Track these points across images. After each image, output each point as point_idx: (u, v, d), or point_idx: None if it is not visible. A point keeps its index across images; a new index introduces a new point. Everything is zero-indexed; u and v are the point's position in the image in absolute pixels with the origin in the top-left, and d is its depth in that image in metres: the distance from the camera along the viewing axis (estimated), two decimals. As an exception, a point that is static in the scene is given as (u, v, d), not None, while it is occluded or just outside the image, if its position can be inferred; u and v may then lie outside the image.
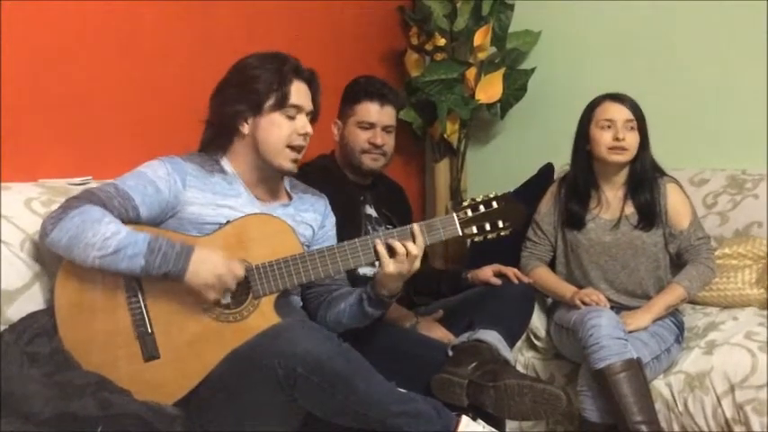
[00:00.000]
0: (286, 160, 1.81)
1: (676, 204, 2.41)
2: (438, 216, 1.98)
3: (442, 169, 3.37)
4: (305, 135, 1.82)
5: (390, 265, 1.74)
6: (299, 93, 1.81)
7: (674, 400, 2.25)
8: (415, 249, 1.75)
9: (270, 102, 1.79)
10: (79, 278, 1.62)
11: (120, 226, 1.60)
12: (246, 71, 1.81)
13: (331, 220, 2.03)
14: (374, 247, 1.74)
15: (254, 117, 1.80)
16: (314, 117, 1.89)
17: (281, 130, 1.80)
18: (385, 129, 2.32)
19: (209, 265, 1.60)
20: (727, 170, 2.89)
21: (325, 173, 2.29)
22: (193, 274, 1.59)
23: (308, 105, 1.84)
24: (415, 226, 1.77)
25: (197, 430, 1.58)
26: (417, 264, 1.77)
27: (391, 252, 1.75)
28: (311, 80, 1.87)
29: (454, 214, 1.79)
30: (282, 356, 1.49)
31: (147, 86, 2.21)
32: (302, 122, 1.82)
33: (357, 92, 2.34)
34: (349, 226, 2.11)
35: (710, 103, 3.02)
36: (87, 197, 1.65)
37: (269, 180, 1.87)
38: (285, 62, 1.82)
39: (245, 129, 1.81)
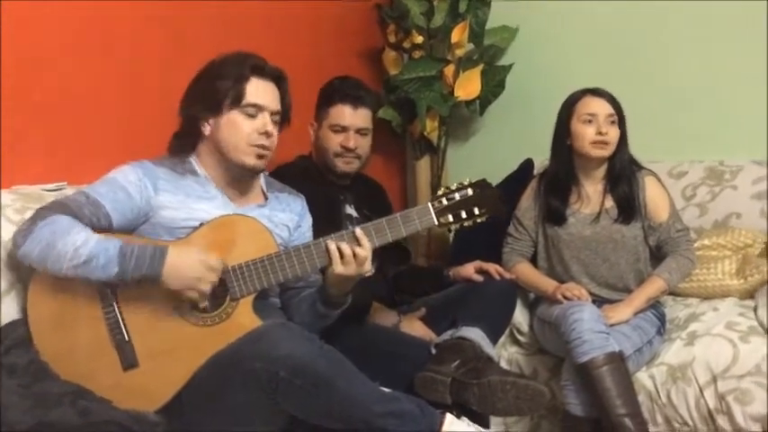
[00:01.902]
0: (250, 157, 1.78)
1: (655, 197, 2.42)
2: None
3: (423, 167, 3.36)
4: (266, 134, 1.78)
5: (339, 266, 1.71)
6: (258, 91, 1.78)
7: (657, 392, 2.26)
8: (363, 252, 1.71)
9: (227, 100, 1.76)
10: (52, 289, 1.60)
11: (89, 234, 1.58)
12: (208, 72, 1.80)
13: (308, 221, 2.00)
14: (326, 247, 1.72)
15: (214, 117, 1.78)
16: (284, 118, 1.86)
17: (241, 130, 1.77)
18: (359, 132, 2.31)
19: (186, 266, 1.58)
20: (705, 162, 2.91)
21: (303, 174, 2.28)
22: (169, 276, 1.57)
23: (272, 105, 1.80)
24: (358, 229, 1.73)
25: (179, 436, 1.57)
26: (367, 267, 1.73)
27: (340, 254, 1.71)
28: (278, 80, 1.84)
29: (429, 204, 1.77)
30: (264, 360, 1.49)
31: (122, 90, 2.19)
32: (263, 121, 1.78)
33: (331, 94, 2.33)
34: (329, 226, 2.08)
35: (688, 96, 3.03)
36: (57, 207, 1.62)
37: (240, 180, 1.85)
38: (245, 60, 1.79)
39: (207, 130, 1.80)
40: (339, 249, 1.71)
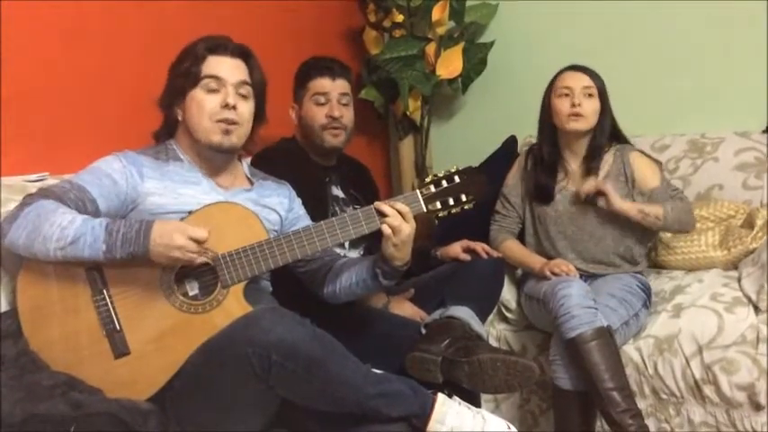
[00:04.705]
0: (216, 134, 1.77)
1: (642, 168, 2.42)
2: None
3: (407, 147, 3.36)
4: (228, 107, 1.77)
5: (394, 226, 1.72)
6: (216, 65, 1.78)
7: (644, 364, 2.29)
8: (400, 209, 1.73)
9: (188, 82, 1.77)
10: (41, 279, 1.59)
11: (75, 215, 1.57)
12: (174, 62, 1.82)
13: (298, 202, 2.02)
14: (377, 209, 1.73)
15: (181, 102, 1.79)
16: (258, 94, 1.85)
17: (204, 106, 1.77)
18: (341, 101, 2.31)
19: (168, 240, 1.55)
20: (687, 135, 2.93)
21: (287, 156, 2.27)
22: (156, 252, 1.55)
23: (232, 77, 1.79)
24: (376, 203, 1.75)
25: (172, 425, 1.57)
26: (407, 228, 1.74)
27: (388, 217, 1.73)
28: (244, 56, 1.84)
29: (417, 191, 1.78)
30: (256, 345, 1.48)
31: (100, 78, 2.16)
32: (225, 95, 1.77)
33: (307, 70, 2.35)
34: (315, 207, 2.10)
35: (668, 70, 3.05)
36: (42, 194, 1.62)
37: (218, 163, 1.85)
38: (200, 41, 1.80)
39: (180, 116, 1.81)
40: (381, 211, 1.73)
